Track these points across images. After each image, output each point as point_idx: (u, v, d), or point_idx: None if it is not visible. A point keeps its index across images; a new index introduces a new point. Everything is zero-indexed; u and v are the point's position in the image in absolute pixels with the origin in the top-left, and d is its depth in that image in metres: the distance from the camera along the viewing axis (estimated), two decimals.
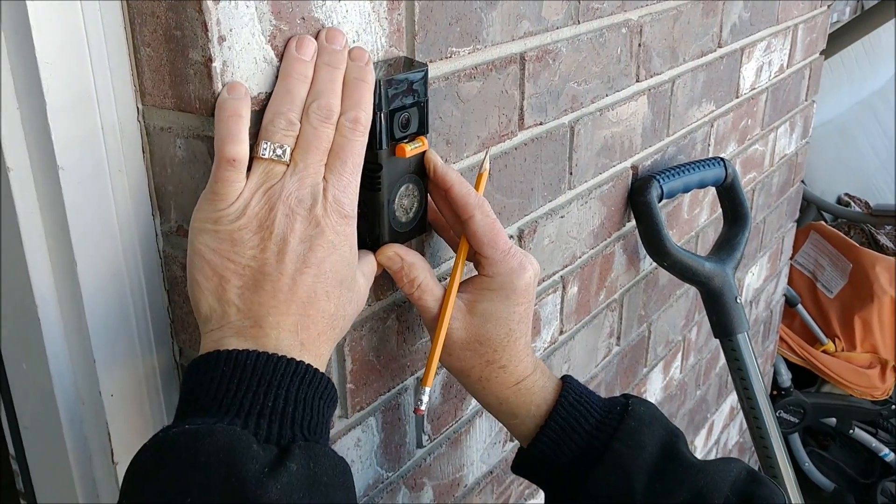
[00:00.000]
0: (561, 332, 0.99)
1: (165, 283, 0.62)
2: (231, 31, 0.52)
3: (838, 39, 2.61)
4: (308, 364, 0.50)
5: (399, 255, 0.63)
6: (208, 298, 0.51)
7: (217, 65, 0.51)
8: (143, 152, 0.58)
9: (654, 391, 1.34)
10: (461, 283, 0.66)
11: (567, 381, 0.70)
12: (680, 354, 1.40)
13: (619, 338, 1.15)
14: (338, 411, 0.69)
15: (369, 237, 0.62)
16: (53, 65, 0.52)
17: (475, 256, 0.65)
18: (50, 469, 0.66)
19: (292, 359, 0.50)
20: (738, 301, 1.10)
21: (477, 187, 0.65)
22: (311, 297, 0.52)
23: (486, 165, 0.66)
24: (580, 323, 1.03)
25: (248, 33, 0.53)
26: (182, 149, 0.56)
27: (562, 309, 0.97)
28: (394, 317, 0.71)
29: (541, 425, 0.68)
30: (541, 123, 0.83)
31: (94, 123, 0.55)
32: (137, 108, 0.57)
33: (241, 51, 0.53)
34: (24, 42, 0.51)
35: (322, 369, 0.52)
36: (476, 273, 0.66)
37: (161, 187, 0.59)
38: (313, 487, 0.46)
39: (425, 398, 0.66)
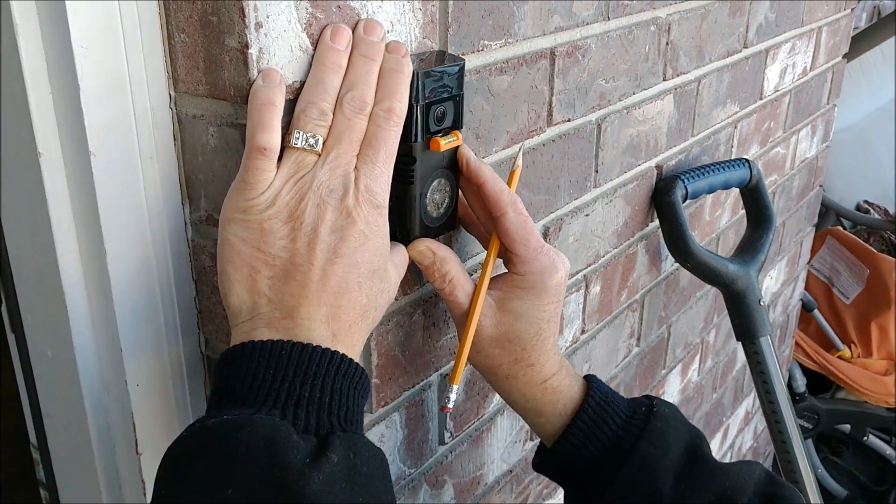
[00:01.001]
0: (583, 332, 0.98)
1: (193, 272, 0.62)
2: (268, 17, 0.51)
3: (856, 45, 2.59)
4: (343, 354, 0.50)
5: (431, 249, 0.62)
6: (238, 290, 0.51)
7: (253, 51, 0.51)
8: (175, 140, 0.58)
9: (671, 393, 1.33)
10: (491, 280, 0.65)
11: (592, 381, 0.69)
12: (698, 357, 1.39)
13: (639, 338, 1.14)
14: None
15: (400, 230, 0.62)
16: (88, 49, 0.51)
17: (506, 254, 0.64)
18: (72, 458, 0.65)
19: (327, 349, 0.49)
20: (761, 304, 1.09)
21: (509, 183, 0.65)
22: (342, 288, 0.51)
23: (520, 161, 0.66)
24: (602, 323, 1.02)
25: (284, 20, 0.52)
26: (215, 137, 0.56)
27: (584, 308, 0.97)
28: (420, 312, 0.71)
29: (567, 424, 0.67)
30: (569, 120, 0.82)
31: (127, 110, 0.54)
32: (170, 95, 0.56)
33: (277, 38, 0.52)
34: (59, 26, 0.50)
35: (355, 360, 0.52)
36: (506, 270, 0.65)
37: (191, 175, 0.58)
38: (354, 478, 0.45)
39: (453, 395, 0.65)
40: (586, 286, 0.95)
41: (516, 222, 0.62)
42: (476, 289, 0.64)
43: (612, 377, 1.10)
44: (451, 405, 0.65)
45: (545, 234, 0.84)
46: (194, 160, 0.58)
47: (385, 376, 0.69)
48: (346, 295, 0.51)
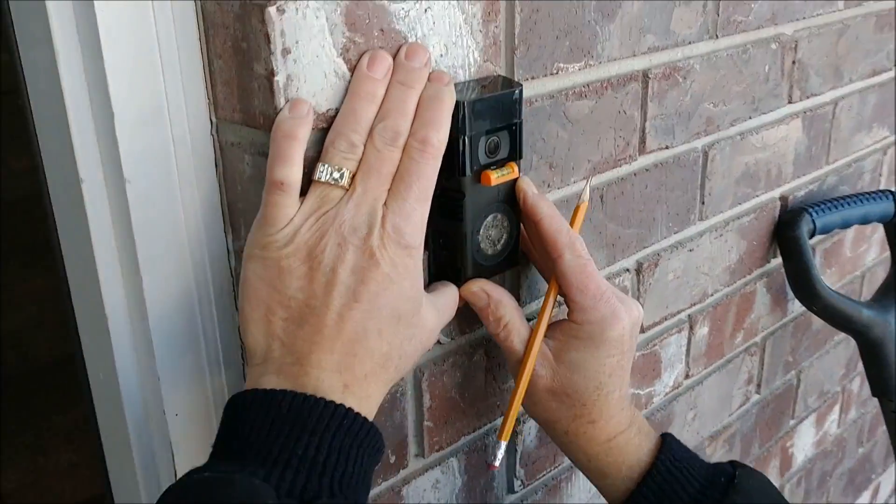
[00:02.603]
0: (686, 377, 0.90)
1: (236, 302, 0.60)
2: (297, 42, 0.48)
3: None
4: (349, 408, 0.46)
5: (485, 291, 0.57)
6: (253, 330, 0.48)
7: (280, 79, 0.48)
8: (217, 167, 0.56)
9: (803, 446, 1.20)
10: (549, 328, 0.59)
11: (667, 441, 0.62)
12: (838, 407, 1.26)
13: (759, 385, 1.03)
14: (414, 450, 0.64)
15: (450, 270, 0.58)
16: (123, 76, 0.50)
17: (565, 299, 0.59)
18: (122, 479, 0.65)
19: (331, 401, 0.45)
20: None
21: (573, 221, 0.59)
22: (359, 335, 0.47)
23: (586, 196, 0.60)
24: (711, 367, 0.93)
25: (316, 45, 0.49)
26: (250, 165, 0.53)
27: (688, 351, 0.88)
28: (481, 352, 0.66)
29: (632, 489, 0.60)
30: (667, 147, 0.75)
31: (165, 136, 0.53)
32: (211, 122, 0.55)
33: (308, 64, 0.49)
34: (94, 52, 0.49)
35: (369, 414, 0.48)
36: (566, 317, 0.59)
37: (233, 204, 0.57)
38: None
39: (500, 452, 0.60)
40: (690, 327, 0.87)
41: (574, 266, 0.56)
42: (531, 336, 0.58)
43: (726, 426, 1.00)
44: (497, 463, 0.60)
45: (638, 270, 0.77)
46: (234, 188, 0.56)
47: (439, 419, 0.65)
48: (364, 342, 0.47)
